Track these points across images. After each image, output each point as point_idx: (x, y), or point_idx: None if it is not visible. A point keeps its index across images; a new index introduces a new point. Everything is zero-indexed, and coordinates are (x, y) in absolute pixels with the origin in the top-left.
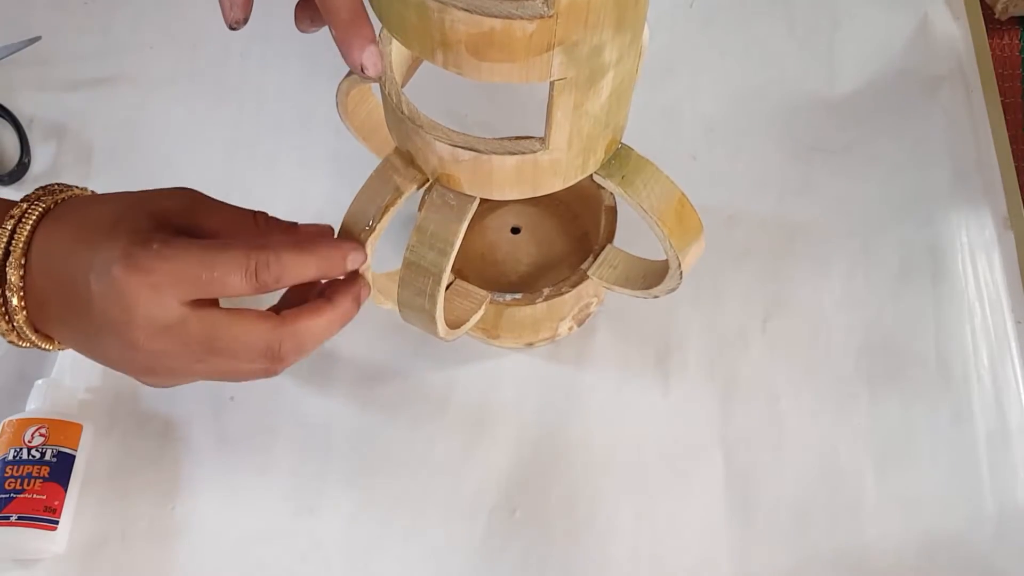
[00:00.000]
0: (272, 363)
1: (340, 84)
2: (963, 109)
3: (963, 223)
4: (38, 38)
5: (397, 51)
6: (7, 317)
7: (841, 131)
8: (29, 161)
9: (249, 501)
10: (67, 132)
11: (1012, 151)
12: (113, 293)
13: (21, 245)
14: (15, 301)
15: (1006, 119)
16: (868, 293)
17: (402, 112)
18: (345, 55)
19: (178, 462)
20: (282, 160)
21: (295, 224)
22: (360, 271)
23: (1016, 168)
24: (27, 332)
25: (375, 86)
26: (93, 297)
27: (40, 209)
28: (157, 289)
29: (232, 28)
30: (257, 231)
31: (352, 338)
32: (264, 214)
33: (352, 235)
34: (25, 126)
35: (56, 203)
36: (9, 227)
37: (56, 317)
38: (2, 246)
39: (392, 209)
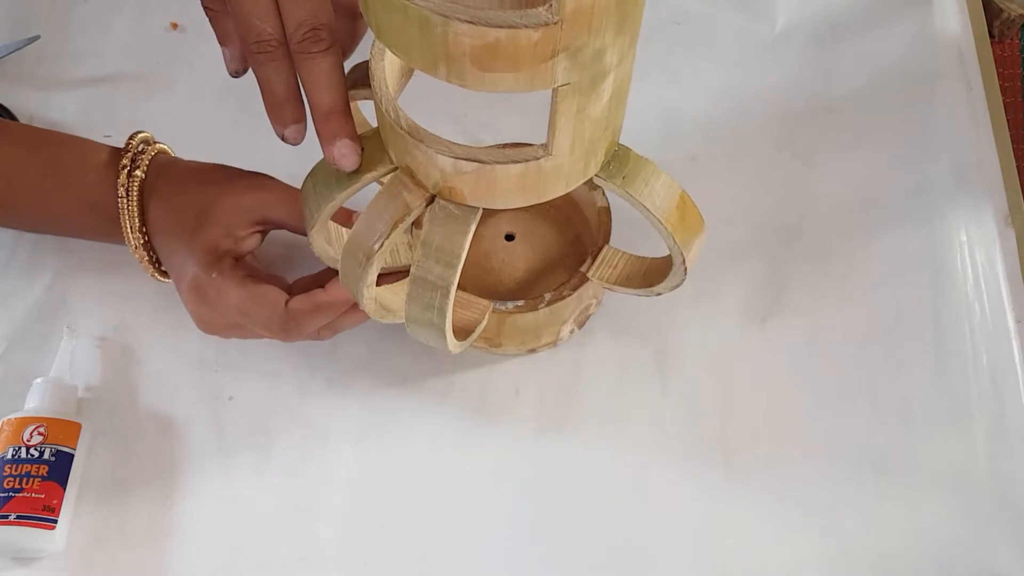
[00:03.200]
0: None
1: None
2: (963, 106)
3: (963, 221)
4: (37, 37)
5: (390, 65)
6: (139, 258)
7: (841, 130)
8: None
9: (248, 500)
10: (67, 131)
11: (1013, 150)
12: (184, 295)
13: (136, 208)
14: (142, 251)
15: (1007, 118)
16: (867, 292)
17: (401, 127)
18: (276, 129)
19: (177, 461)
20: (282, 160)
21: (352, 212)
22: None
23: (1016, 166)
24: (153, 272)
25: (367, 103)
26: (176, 282)
27: (140, 177)
28: (212, 307)
29: (234, 76)
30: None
31: (352, 338)
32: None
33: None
34: None
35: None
36: (124, 184)
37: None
38: (125, 202)
39: (401, 226)
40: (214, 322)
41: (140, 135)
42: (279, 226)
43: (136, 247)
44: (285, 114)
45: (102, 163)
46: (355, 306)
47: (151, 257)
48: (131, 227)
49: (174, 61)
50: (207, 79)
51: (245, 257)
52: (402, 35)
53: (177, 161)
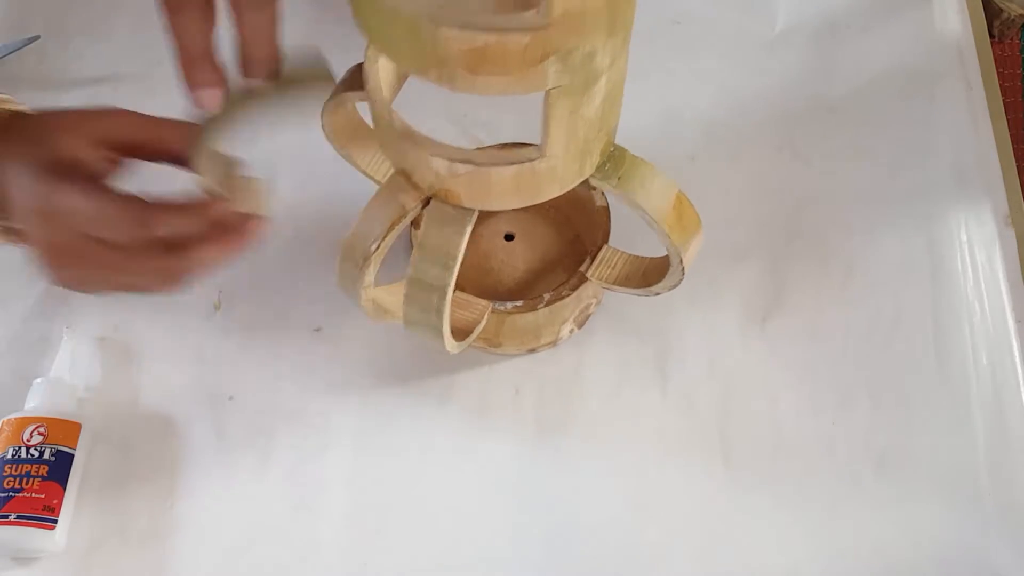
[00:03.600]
0: (168, 287)
1: (325, 104)
2: (963, 106)
3: (963, 221)
4: (37, 37)
5: (384, 68)
6: None
7: (841, 130)
8: None
9: (247, 500)
10: None
11: (1013, 150)
12: (25, 218)
13: None
14: None
15: (1007, 118)
16: (867, 292)
17: (395, 130)
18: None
19: (176, 461)
20: (282, 159)
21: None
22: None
23: (1016, 166)
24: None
25: (362, 105)
26: (15, 214)
27: None
28: (55, 221)
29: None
30: (181, 140)
31: (352, 338)
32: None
33: (358, 251)
34: None
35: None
36: None
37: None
38: None
39: (398, 227)
40: (58, 241)
41: None
42: (134, 151)
43: None
44: (202, 74)
45: None
46: (222, 231)
47: None
48: None
49: (174, 61)
50: None
51: None
52: (393, 40)
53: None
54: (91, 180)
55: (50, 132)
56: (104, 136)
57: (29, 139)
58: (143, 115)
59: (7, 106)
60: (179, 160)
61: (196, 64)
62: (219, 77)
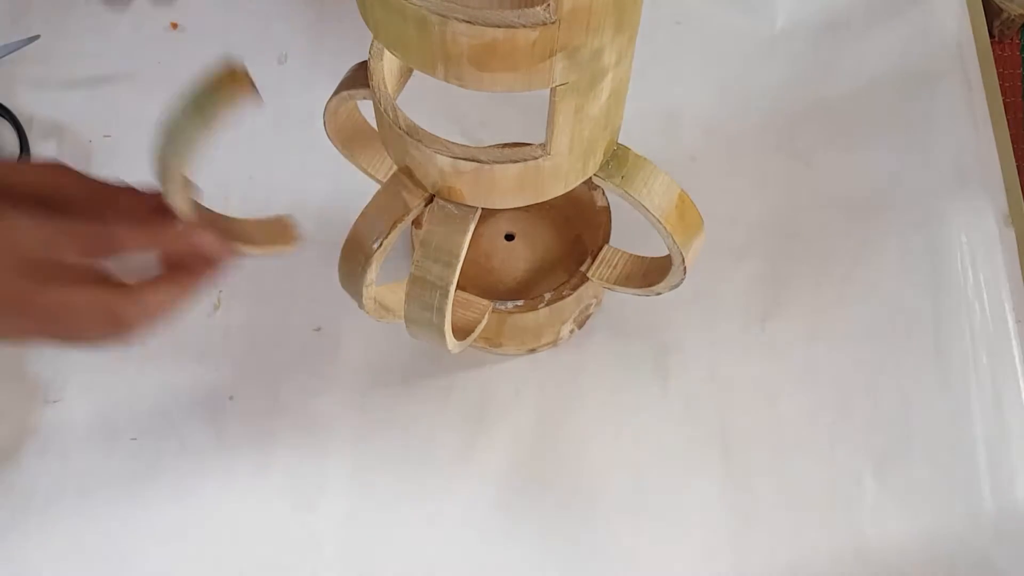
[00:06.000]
0: (115, 329)
1: (327, 103)
2: (963, 106)
3: (963, 221)
4: (37, 37)
5: (388, 64)
6: None
7: (841, 130)
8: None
9: (248, 500)
10: (67, 131)
11: (1013, 150)
12: None
13: None
14: None
15: (1006, 118)
16: (867, 292)
17: (399, 127)
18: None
19: (177, 461)
20: (282, 159)
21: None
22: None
23: (1016, 166)
24: None
25: (365, 103)
26: None
27: None
28: None
29: None
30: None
31: (351, 338)
32: (131, 189)
33: (360, 249)
34: (25, 125)
35: None
36: None
37: None
38: None
39: (400, 225)
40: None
41: None
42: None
43: None
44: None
45: None
46: (179, 271)
47: None
48: None
49: (174, 61)
50: None
51: None
52: (400, 35)
53: None
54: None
55: None
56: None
57: None
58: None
59: None
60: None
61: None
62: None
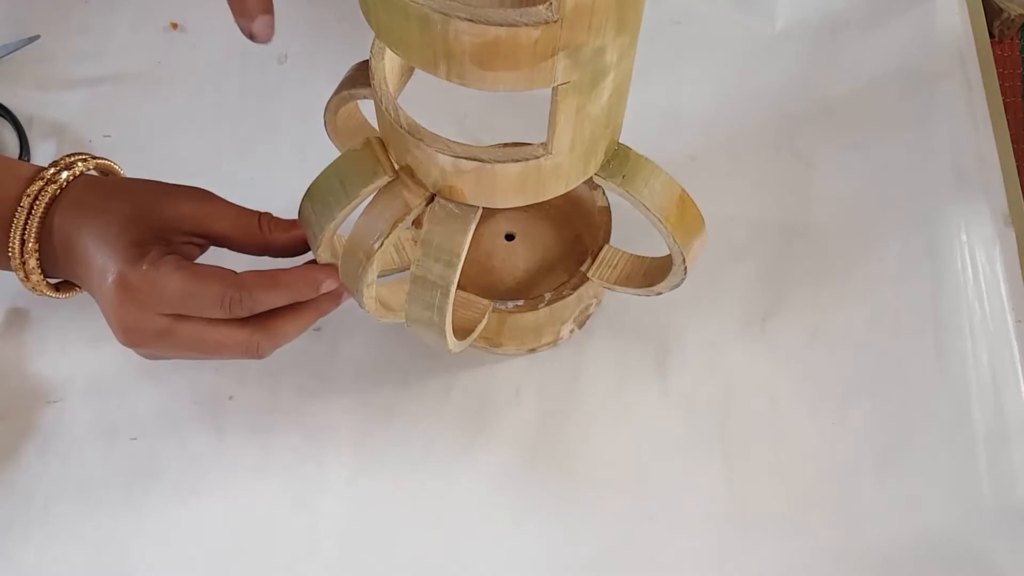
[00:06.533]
0: (251, 357)
1: (328, 102)
2: (963, 106)
3: (963, 221)
4: (37, 37)
5: (389, 64)
6: (25, 274)
7: (840, 129)
8: (29, 160)
9: (247, 499)
10: (67, 131)
11: (1013, 150)
12: (105, 300)
13: (37, 220)
14: (32, 263)
15: (1006, 118)
16: (867, 292)
17: (401, 126)
18: (239, 20)
19: (177, 461)
20: (283, 158)
21: (295, 222)
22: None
23: (1016, 166)
24: (42, 288)
25: (366, 103)
26: (94, 293)
27: (54, 190)
28: (142, 306)
29: (251, 39)
30: (260, 235)
31: (351, 338)
32: (268, 216)
33: (361, 249)
34: (25, 125)
35: (76, 175)
36: (32, 194)
37: (70, 278)
38: (25, 213)
39: (401, 225)
40: (141, 327)
41: (82, 154)
42: (220, 240)
43: (15, 252)
44: (249, 4)
45: (28, 179)
46: (305, 303)
47: (36, 266)
48: (24, 231)
49: (174, 61)
50: (207, 79)
51: None
52: (402, 33)
53: (112, 178)
54: (177, 259)
55: (138, 219)
56: (196, 230)
57: (110, 221)
58: (235, 209)
59: (90, 164)
60: (261, 253)
61: None
62: (268, 4)
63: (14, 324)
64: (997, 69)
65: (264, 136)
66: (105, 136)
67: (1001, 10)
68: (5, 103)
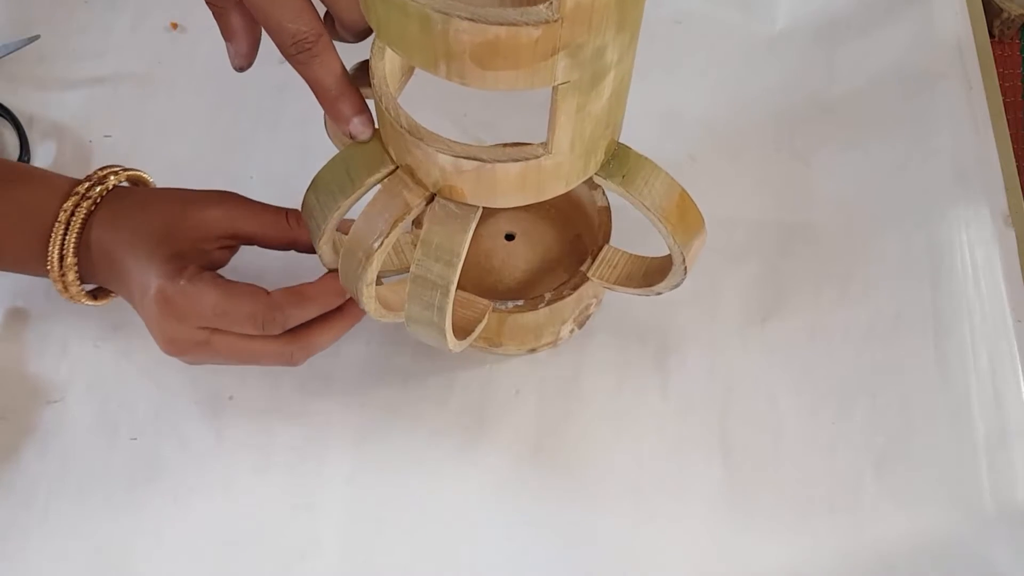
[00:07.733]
0: (287, 365)
1: None
2: (963, 106)
3: (963, 221)
4: (37, 36)
5: (390, 62)
6: (64, 286)
7: (841, 130)
8: (29, 160)
9: (248, 500)
10: (67, 131)
11: (1013, 150)
12: (147, 312)
13: (75, 235)
14: (71, 276)
15: (1007, 118)
16: (867, 292)
17: (401, 126)
18: (337, 125)
19: (177, 461)
20: (283, 158)
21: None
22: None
23: (1016, 166)
24: (80, 298)
25: (367, 102)
26: (136, 306)
27: (89, 205)
28: (181, 319)
29: (238, 71)
30: (287, 230)
31: (352, 338)
32: (294, 212)
33: (361, 248)
34: (25, 125)
35: (109, 189)
36: (69, 210)
37: (110, 287)
38: (63, 228)
39: (401, 224)
40: (181, 338)
41: (113, 167)
42: (249, 240)
43: (53, 266)
44: (343, 109)
45: (64, 193)
46: (335, 314)
47: (76, 279)
48: (62, 245)
49: (174, 61)
50: (207, 79)
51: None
52: (402, 33)
53: (142, 188)
54: (213, 276)
55: (172, 229)
56: (226, 232)
57: (146, 233)
58: (260, 207)
59: (121, 177)
60: (288, 248)
61: (338, 99)
62: (363, 102)
63: (14, 324)
64: (997, 69)
65: (264, 136)
66: (105, 136)
67: (1001, 10)
68: (5, 103)
